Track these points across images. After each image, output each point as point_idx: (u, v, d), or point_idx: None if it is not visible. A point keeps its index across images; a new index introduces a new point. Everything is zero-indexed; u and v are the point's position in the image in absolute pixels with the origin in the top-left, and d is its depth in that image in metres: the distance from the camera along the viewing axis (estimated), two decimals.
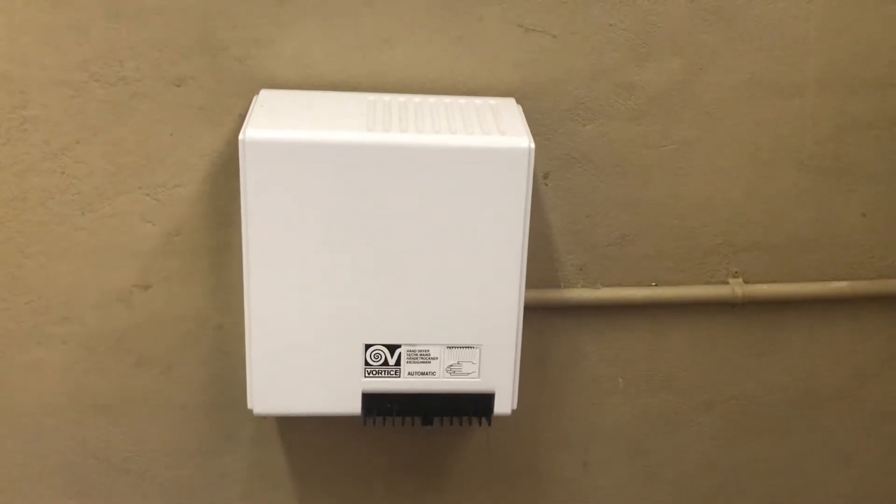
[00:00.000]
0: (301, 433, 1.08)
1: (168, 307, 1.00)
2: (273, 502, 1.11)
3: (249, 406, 0.91)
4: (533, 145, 0.84)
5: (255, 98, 0.91)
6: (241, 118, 0.93)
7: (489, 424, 0.93)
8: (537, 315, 1.03)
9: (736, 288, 1.05)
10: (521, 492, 1.15)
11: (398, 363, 0.90)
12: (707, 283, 1.06)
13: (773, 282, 1.07)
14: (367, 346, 0.89)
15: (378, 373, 0.90)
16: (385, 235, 0.86)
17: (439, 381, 0.91)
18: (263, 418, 1.06)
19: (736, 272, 1.06)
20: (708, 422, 1.14)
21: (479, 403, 0.92)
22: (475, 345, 0.90)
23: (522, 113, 0.92)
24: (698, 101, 0.99)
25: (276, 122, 0.84)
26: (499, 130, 0.86)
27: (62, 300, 0.98)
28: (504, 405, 0.92)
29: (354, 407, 0.91)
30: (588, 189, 1.00)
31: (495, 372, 0.91)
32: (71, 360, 1.01)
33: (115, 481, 1.07)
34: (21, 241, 0.96)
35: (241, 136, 0.82)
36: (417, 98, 0.92)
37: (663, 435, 1.14)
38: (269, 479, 1.09)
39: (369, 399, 0.90)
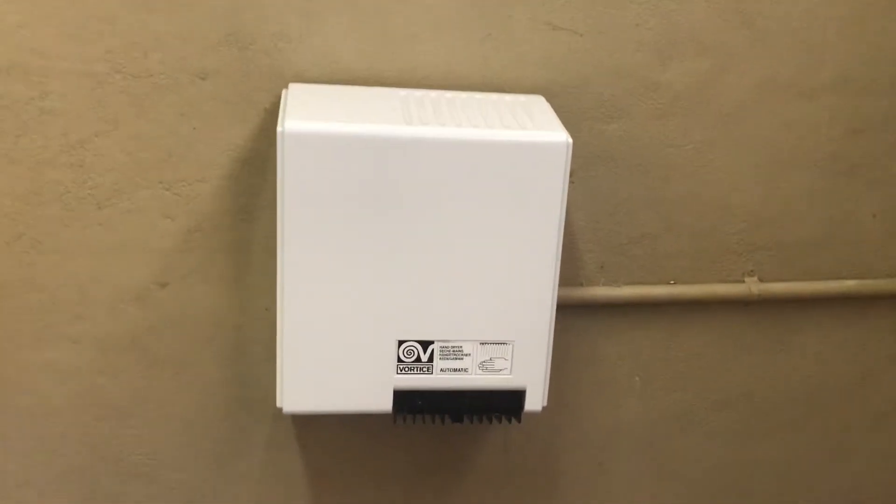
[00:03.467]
0: (318, 435, 1.06)
1: (185, 306, 0.98)
2: None
3: (279, 404, 0.89)
4: (570, 140, 0.85)
5: (284, 92, 0.90)
6: (267, 113, 0.92)
7: (519, 422, 0.93)
8: (558, 313, 1.03)
9: (752, 286, 1.06)
10: (537, 491, 1.14)
11: (431, 360, 0.89)
12: (723, 281, 1.07)
13: (788, 280, 1.08)
14: (401, 343, 0.88)
15: (410, 369, 0.89)
16: (421, 230, 0.85)
17: (471, 378, 0.90)
18: (279, 420, 1.04)
19: (752, 270, 1.08)
20: (721, 420, 1.15)
21: (510, 400, 0.91)
22: (508, 341, 0.90)
23: (552, 110, 0.92)
24: (719, 102, 1.00)
25: (314, 114, 0.83)
26: (535, 125, 0.86)
27: (75, 299, 0.95)
28: (535, 402, 0.92)
29: (385, 405, 0.90)
30: (611, 187, 1.01)
31: (527, 368, 0.91)
32: (83, 361, 0.98)
33: (126, 486, 1.04)
34: (34, 236, 0.93)
35: (279, 129, 0.81)
36: (448, 94, 0.92)
37: (678, 434, 1.15)
38: (284, 482, 1.07)
39: (401, 396, 0.89)
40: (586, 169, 1.00)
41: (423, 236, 0.85)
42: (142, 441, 1.02)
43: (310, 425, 1.06)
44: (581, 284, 1.04)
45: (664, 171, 1.01)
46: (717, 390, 1.13)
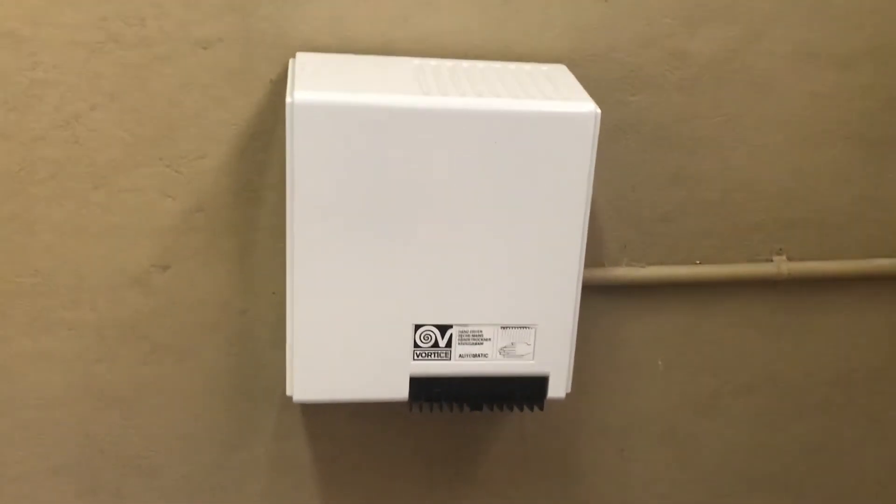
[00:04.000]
0: (327, 424, 1.02)
1: (187, 290, 0.93)
2: (296, 498, 1.05)
3: (288, 393, 0.85)
4: (599, 111, 0.80)
5: (291, 61, 0.85)
6: (273, 84, 0.87)
7: (541, 409, 0.88)
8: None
9: (781, 266, 1.02)
10: (555, 480, 1.10)
11: (449, 345, 0.84)
12: (751, 260, 1.03)
13: (818, 259, 1.04)
14: (417, 327, 0.83)
15: (428, 355, 0.84)
16: (439, 208, 0.80)
17: (492, 364, 0.85)
18: (286, 409, 1.00)
19: (780, 249, 1.03)
20: (747, 405, 1.11)
21: (533, 387, 0.87)
22: (530, 325, 0.85)
23: (576, 80, 0.87)
24: (749, 72, 0.95)
25: (325, 85, 0.78)
26: (560, 96, 0.81)
27: (71, 283, 0.91)
28: (558, 389, 0.87)
29: (401, 392, 0.85)
30: (635, 162, 0.96)
31: (551, 353, 0.86)
32: (80, 349, 0.93)
33: (126, 479, 1.00)
34: (27, 217, 0.88)
35: (288, 100, 0.76)
36: (465, 63, 0.87)
37: (702, 419, 1.11)
38: (292, 474, 1.03)
39: (417, 384, 0.85)
40: (609, 142, 0.95)
41: (442, 214, 0.80)
42: (143, 432, 0.98)
43: (319, 414, 1.01)
44: (603, 265, 1.00)
45: (691, 144, 0.97)
46: (743, 374, 1.09)
